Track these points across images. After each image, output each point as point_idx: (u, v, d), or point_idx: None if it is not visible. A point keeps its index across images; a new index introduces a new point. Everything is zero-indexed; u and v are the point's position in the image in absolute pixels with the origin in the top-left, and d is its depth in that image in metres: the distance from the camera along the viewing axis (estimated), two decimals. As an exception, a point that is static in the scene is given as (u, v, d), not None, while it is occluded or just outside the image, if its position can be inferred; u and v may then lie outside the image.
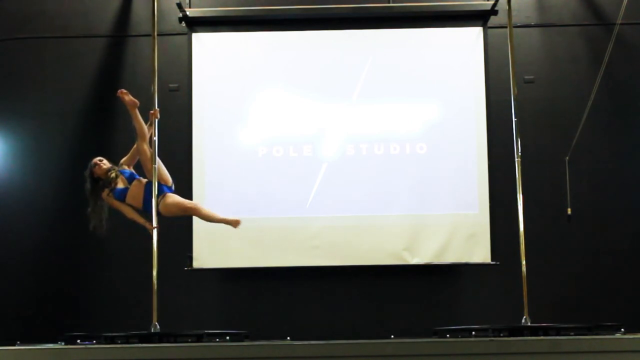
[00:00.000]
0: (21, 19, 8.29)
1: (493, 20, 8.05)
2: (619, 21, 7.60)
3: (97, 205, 6.43)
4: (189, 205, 6.50)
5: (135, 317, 6.55)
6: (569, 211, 7.90)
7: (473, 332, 5.50)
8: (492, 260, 7.74)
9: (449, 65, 8.01)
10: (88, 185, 6.45)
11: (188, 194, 7.61)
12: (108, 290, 7.83)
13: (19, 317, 7.79)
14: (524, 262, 6.33)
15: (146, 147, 6.30)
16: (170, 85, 8.06)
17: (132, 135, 7.79)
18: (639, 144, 8.05)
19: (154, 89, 6.39)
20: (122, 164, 6.53)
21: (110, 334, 5.50)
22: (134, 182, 6.39)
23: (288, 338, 6.25)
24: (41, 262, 7.92)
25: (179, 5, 7.83)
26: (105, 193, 6.38)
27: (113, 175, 6.40)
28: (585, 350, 4.73)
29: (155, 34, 6.49)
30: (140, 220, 6.34)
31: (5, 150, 8.12)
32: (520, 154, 6.50)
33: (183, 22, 8.00)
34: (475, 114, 7.93)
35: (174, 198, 6.34)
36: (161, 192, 6.27)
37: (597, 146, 8.04)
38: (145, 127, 6.34)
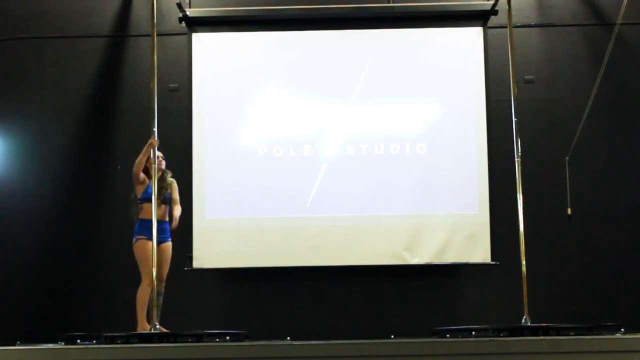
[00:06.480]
0: (21, 19, 8.29)
1: (493, 20, 8.05)
2: (619, 21, 7.60)
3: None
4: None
5: (135, 317, 6.54)
6: (569, 211, 7.90)
7: (473, 332, 5.50)
8: (492, 260, 7.74)
9: (449, 65, 8.01)
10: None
11: (188, 194, 7.62)
12: (108, 290, 7.82)
13: (19, 317, 7.79)
14: (524, 262, 6.32)
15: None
16: (170, 85, 8.07)
17: (131, 136, 7.83)
18: (639, 144, 8.05)
19: (153, 85, 6.39)
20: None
21: (110, 334, 5.49)
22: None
23: (288, 338, 6.25)
24: (41, 262, 7.92)
25: (179, 5, 7.83)
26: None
27: (169, 177, 6.78)
28: (585, 350, 4.72)
29: (155, 33, 6.49)
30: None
31: (5, 150, 8.12)
32: (520, 154, 6.50)
33: (183, 22, 8.00)
34: (475, 114, 7.93)
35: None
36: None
37: (597, 146, 8.04)
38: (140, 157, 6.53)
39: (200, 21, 8.07)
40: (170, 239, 6.67)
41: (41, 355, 4.90)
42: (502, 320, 6.64)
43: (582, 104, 7.78)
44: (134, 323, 6.54)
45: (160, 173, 6.66)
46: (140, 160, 6.48)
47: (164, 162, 6.74)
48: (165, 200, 6.62)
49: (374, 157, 7.92)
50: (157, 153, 6.66)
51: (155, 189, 6.28)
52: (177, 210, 6.66)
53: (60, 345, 5.47)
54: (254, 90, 8.01)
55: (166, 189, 6.65)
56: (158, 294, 6.44)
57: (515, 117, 6.59)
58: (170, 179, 6.76)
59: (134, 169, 6.50)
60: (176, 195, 6.75)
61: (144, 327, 6.32)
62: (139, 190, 6.56)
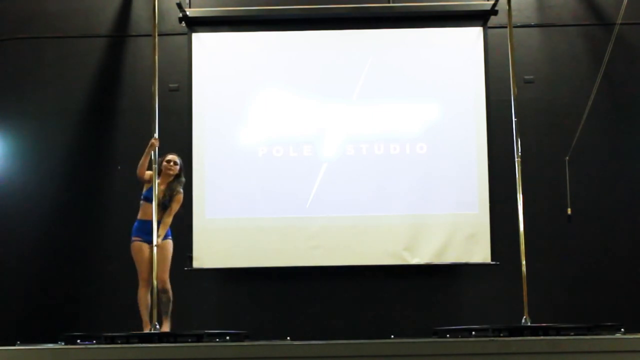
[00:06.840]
0: (21, 19, 8.29)
1: (493, 20, 8.05)
2: (619, 21, 7.60)
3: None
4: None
5: (135, 317, 6.55)
6: (569, 211, 7.90)
7: (473, 332, 5.50)
8: (492, 260, 7.74)
9: (449, 65, 8.01)
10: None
11: (188, 194, 7.61)
12: (108, 290, 7.82)
13: (19, 317, 7.79)
14: (524, 262, 6.33)
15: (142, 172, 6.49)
16: (170, 85, 8.06)
17: (131, 135, 7.83)
18: (639, 144, 8.05)
19: (154, 85, 6.39)
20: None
21: (110, 334, 5.49)
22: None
23: (288, 338, 6.25)
24: (41, 262, 7.92)
25: (179, 5, 7.84)
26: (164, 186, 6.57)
27: (179, 188, 6.65)
28: (585, 350, 4.72)
29: (156, 33, 6.50)
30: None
31: (5, 150, 8.12)
32: (520, 154, 6.50)
33: (183, 22, 8.00)
34: (475, 114, 7.93)
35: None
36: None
37: (597, 146, 8.04)
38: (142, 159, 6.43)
39: (200, 21, 8.07)
40: (169, 237, 6.60)
41: (41, 355, 4.90)
42: (502, 320, 6.64)
43: (582, 104, 7.78)
44: (134, 323, 6.55)
45: (171, 178, 6.62)
46: (142, 162, 6.41)
47: (176, 168, 6.63)
48: (164, 207, 6.54)
49: (374, 157, 7.92)
50: (172, 157, 6.64)
51: (156, 192, 6.24)
52: (163, 228, 6.48)
53: (60, 345, 5.47)
54: (254, 90, 8.01)
55: (169, 198, 6.57)
56: (162, 292, 6.43)
57: (515, 117, 6.59)
58: (178, 189, 6.61)
59: (137, 172, 6.45)
60: (175, 207, 6.59)
61: (148, 327, 6.32)
62: (145, 188, 6.53)
